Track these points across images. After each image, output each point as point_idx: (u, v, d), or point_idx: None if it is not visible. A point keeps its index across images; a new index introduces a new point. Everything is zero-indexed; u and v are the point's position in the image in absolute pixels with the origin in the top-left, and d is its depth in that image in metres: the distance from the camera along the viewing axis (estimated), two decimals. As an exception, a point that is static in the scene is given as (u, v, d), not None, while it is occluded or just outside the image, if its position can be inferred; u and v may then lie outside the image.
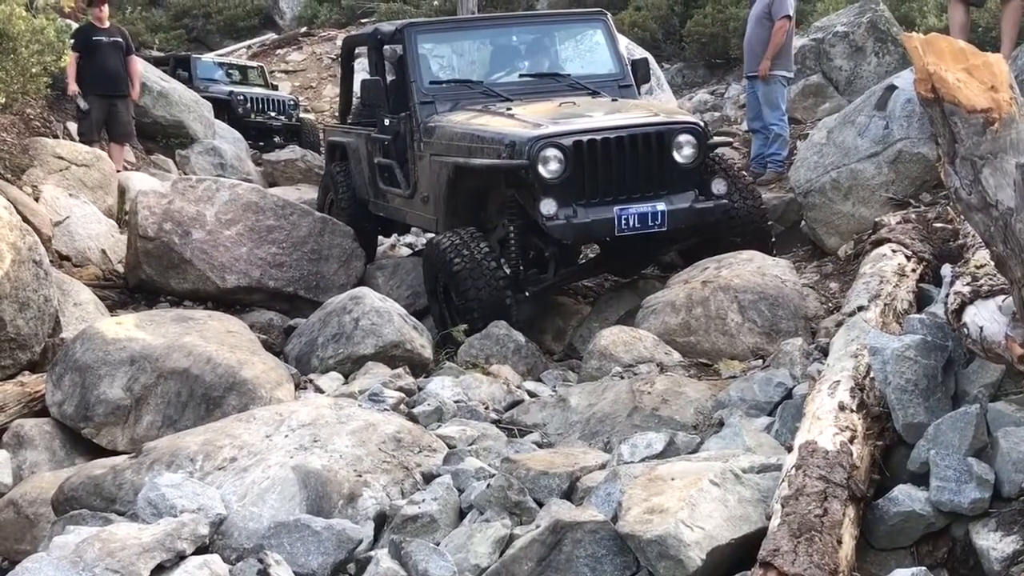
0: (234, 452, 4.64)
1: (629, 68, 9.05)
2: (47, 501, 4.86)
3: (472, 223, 7.85)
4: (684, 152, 7.41)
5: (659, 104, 10.29)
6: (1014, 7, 7.81)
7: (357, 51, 11.10)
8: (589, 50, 9.34)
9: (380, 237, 10.69)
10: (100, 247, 9.22)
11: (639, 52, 12.68)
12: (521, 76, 9.07)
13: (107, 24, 12.04)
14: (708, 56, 17.52)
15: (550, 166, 7.17)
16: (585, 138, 7.26)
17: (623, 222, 7.20)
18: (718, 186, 7.48)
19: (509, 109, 8.09)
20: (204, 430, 4.94)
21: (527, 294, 7.55)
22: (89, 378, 5.79)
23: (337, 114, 12.10)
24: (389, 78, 9.60)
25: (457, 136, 8.02)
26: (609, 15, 9.47)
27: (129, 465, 4.68)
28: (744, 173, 8.69)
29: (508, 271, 7.51)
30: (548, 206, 7.12)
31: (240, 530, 4.16)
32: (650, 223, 7.26)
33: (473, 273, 7.27)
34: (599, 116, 7.75)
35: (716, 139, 8.09)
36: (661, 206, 7.27)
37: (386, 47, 9.69)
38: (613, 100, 8.42)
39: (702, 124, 7.83)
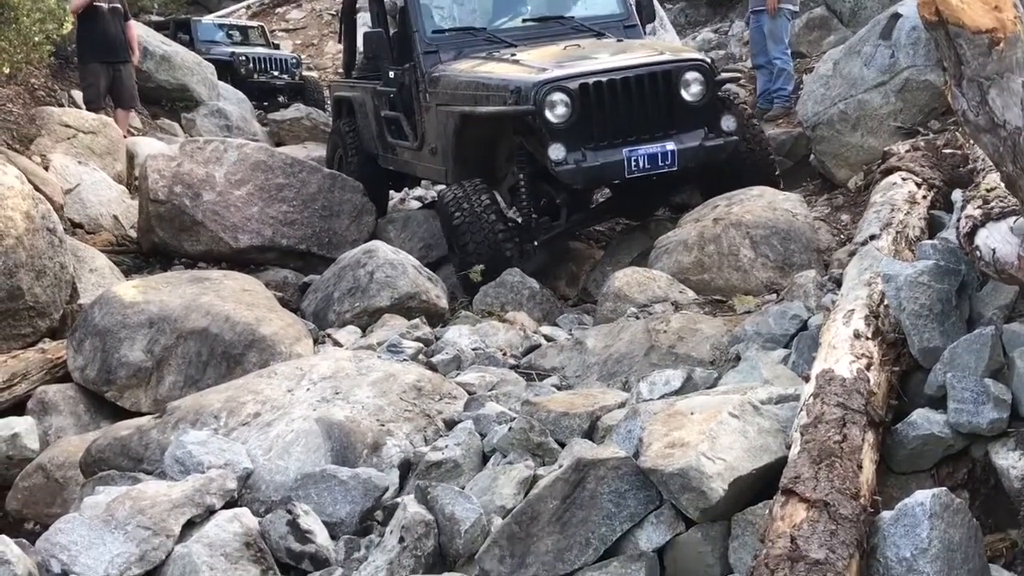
0: (257, 407, 4.68)
1: (633, 8, 8.96)
2: (75, 464, 4.92)
3: (481, 173, 7.82)
4: (692, 90, 7.33)
5: (665, 43, 10.19)
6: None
7: (359, 4, 11.02)
8: (593, -9, 9.25)
9: (391, 192, 10.68)
10: (112, 213, 9.26)
11: (641, -8, 12.56)
12: (524, 21, 8.98)
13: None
14: (710, -6, 17.40)
15: (557, 110, 7.11)
16: (591, 80, 7.20)
17: (633, 164, 7.14)
18: (728, 123, 7.38)
19: (514, 55, 8.03)
20: (226, 387, 4.99)
21: (535, 243, 7.52)
22: (109, 342, 5.84)
23: (340, 70, 12.05)
24: (392, 30, 9.54)
25: (462, 85, 7.96)
26: None
27: (154, 425, 4.73)
28: (748, 111, 8.62)
29: (519, 220, 7.50)
30: (556, 151, 7.07)
31: (267, 483, 4.22)
32: (660, 163, 7.19)
33: (472, 227, 7.26)
34: (605, 58, 7.67)
35: (724, 75, 7.99)
36: (671, 145, 7.20)
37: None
38: (618, 41, 8.33)
39: (709, 61, 7.73)
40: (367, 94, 9.78)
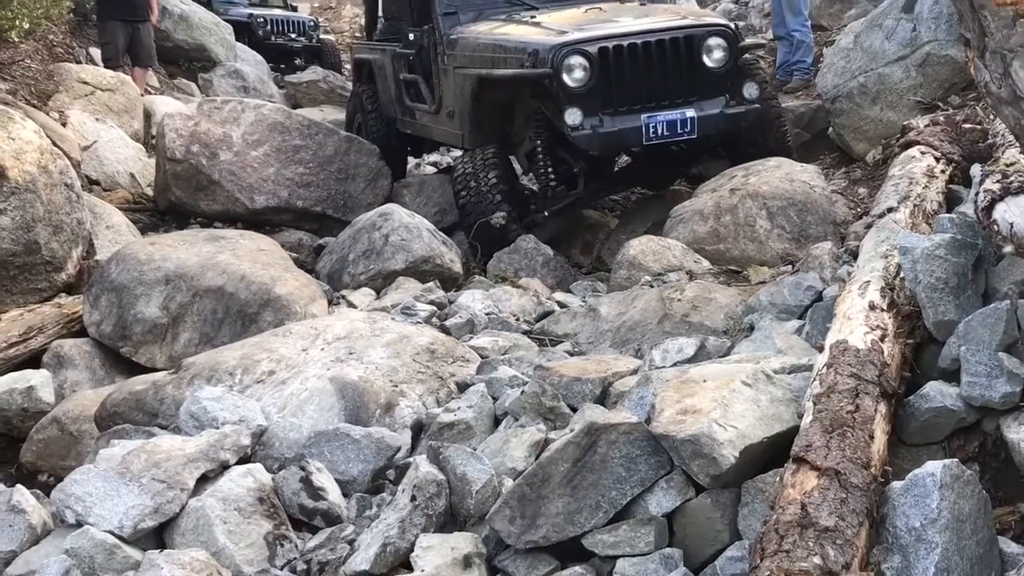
0: (272, 366, 4.71)
1: None
2: (90, 418, 4.96)
3: (498, 138, 7.74)
4: (714, 56, 7.22)
5: (689, 8, 10.04)
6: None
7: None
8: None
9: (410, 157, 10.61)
10: (129, 171, 9.27)
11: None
12: None
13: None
14: (731, -36, 17.26)
15: (575, 74, 7.01)
16: (611, 44, 7.09)
17: (651, 130, 7.04)
18: (750, 90, 7.28)
19: (534, 17, 7.94)
20: (241, 345, 5.02)
21: (546, 213, 7.45)
22: (126, 298, 5.88)
23: (358, 33, 11.95)
24: None
25: (480, 47, 7.87)
26: None
27: (170, 380, 4.76)
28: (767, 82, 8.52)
29: (535, 188, 7.45)
30: (573, 116, 6.96)
31: (281, 440, 4.24)
32: (679, 131, 7.08)
33: (477, 208, 7.23)
34: (626, 21, 7.56)
35: (748, 42, 7.86)
36: (691, 112, 7.09)
37: None
38: (642, 4, 8.23)
39: (733, 27, 7.60)
40: (387, 56, 9.68)
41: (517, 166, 8.14)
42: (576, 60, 7.02)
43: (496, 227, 7.07)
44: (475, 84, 7.77)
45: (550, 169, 7.45)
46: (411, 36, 9.01)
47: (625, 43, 7.12)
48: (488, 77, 7.62)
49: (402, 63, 9.34)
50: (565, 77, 7.01)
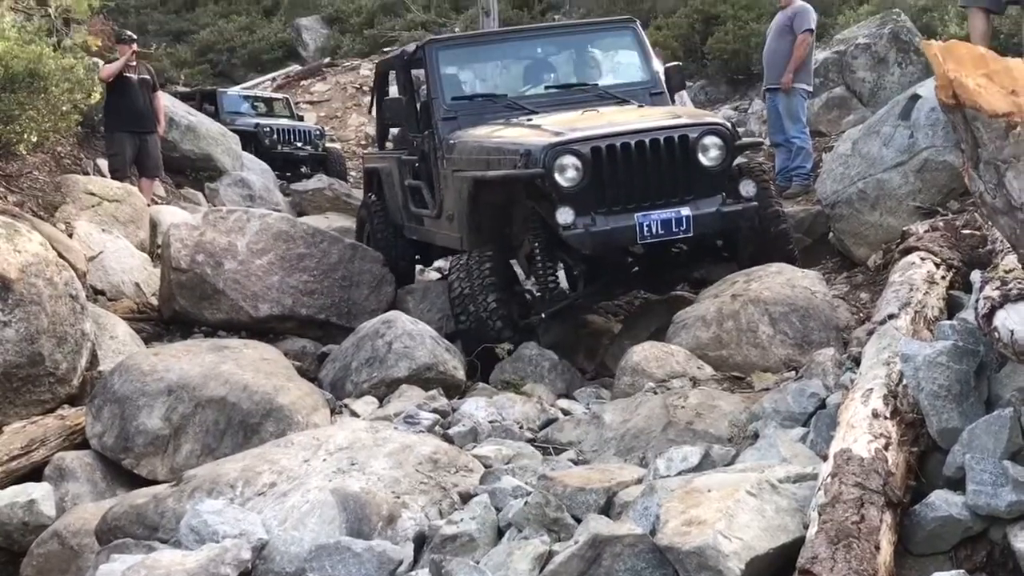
0: (273, 477, 4.68)
1: (661, 75, 8.86)
2: (91, 532, 4.91)
3: (497, 240, 7.74)
4: (710, 154, 7.15)
5: (686, 108, 10.04)
6: (1035, 12, 7.82)
7: (391, 74, 11.06)
8: (618, 58, 9.21)
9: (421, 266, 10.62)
10: (134, 281, 9.32)
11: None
12: (547, 88, 8.94)
13: (135, 61, 12.21)
14: (730, 72, 17.65)
15: (567, 174, 6.97)
16: (603, 143, 7.05)
17: (645, 229, 6.96)
18: (747, 188, 7.18)
19: (530, 120, 7.99)
20: (243, 456, 4.99)
21: (543, 316, 7.37)
22: (128, 409, 5.86)
23: (363, 141, 12.11)
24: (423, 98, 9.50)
25: (476, 150, 7.90)
26: (638, 22, 9.35)
27: (170, 493, 4.73)
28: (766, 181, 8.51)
29: (537, 292, 7.45)
30: (565, 215, 6.89)
31: (282, 554, 4.19)
32: (674, 229, 7.00)
33: (478, 334, 7.23)
34: (620, 121, 7.56)
35: (744, 140, 7.79)
36: (686, 211, 7.00)
37: (414, 70, 9.66)
38: (640, 107, 8.28)
39: (729, 125, 7.57)
40: (394, 164, 9.74)
41: (519, 269, 8.13)
42: (568, 160, 6.99)
43: (501, 358, 7.05)
44: (471, 186, 7.74)
45: (549, 271, 7.41)
46: (414, 142, 9.09)
47: (618, 142, 7.06)
48: (482, 179, 7.59)
49: (408, 170, 9.39)
50: (557, 177, 6.97)
